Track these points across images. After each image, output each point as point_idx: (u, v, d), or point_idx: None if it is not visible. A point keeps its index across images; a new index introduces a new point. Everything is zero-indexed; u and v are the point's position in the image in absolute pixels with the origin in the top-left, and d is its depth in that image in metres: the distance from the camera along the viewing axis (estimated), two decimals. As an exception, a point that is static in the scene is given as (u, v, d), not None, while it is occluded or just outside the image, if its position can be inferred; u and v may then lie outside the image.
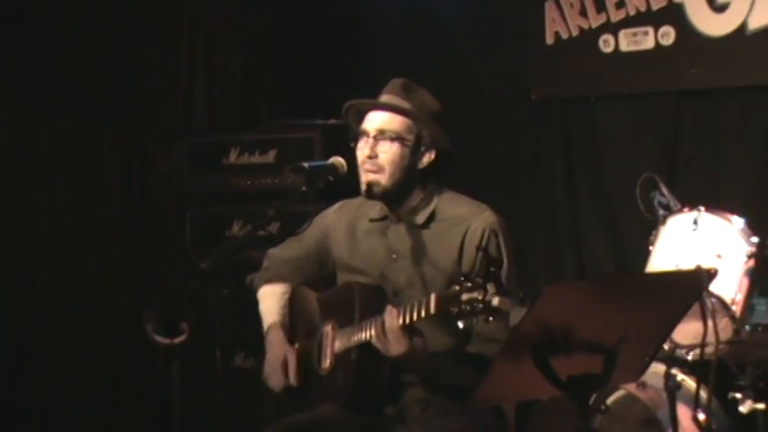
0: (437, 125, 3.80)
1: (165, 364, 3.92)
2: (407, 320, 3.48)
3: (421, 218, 3.81)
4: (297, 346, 4.01)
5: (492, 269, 3.22)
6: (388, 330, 3.49)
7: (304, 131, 5.62)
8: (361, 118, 3.85)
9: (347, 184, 3.87)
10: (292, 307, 4.09)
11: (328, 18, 6.40)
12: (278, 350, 3.98)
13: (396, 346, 3.50)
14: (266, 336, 4.04)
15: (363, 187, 3.79)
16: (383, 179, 3.75)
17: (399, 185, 3.77)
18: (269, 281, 4.14)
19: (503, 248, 3.70)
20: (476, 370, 3.54)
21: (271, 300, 4.10)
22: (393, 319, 3.49)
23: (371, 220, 3.92)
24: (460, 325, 3.29)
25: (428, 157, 3.79)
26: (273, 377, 3.96)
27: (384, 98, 3.84)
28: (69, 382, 5.76)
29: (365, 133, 3.79)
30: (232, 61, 6.46)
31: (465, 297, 3.24)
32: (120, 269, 6.08)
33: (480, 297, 3.21)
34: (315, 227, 4.04)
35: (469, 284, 3.25)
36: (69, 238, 5.92)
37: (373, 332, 3.56)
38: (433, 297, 3.41)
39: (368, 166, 3.75)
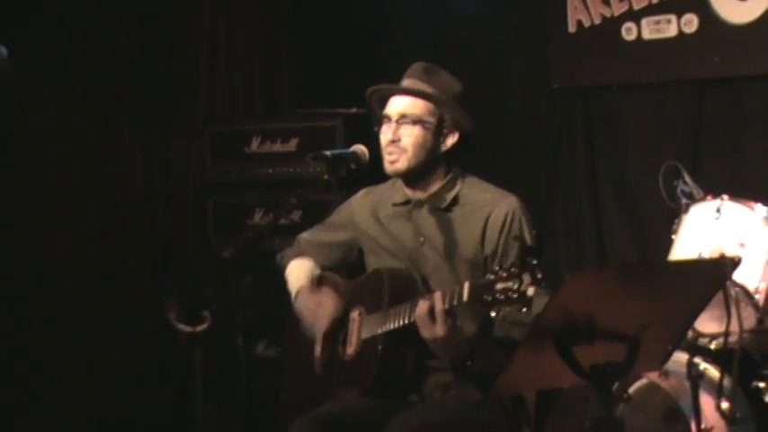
0: (459, 107, 3.84)
1: (188, 352, 3.94)
2: (446, 306, 3.49)
3: (444, 202, 3.84)
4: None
5: (528, 259, 3.23)
6: (432, 313, 3.50)
7: (326, 120, 5.62)
8: (384, 103, 3.89)
9: (369, 173, 3.88)
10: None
11: (350, 6, 6.40)
12: (312, 299, 3.98)
13: (440, 329, 3.50)
14: (296, 299, 4.04)
15: (387, 166, 3.82)
16: (406, 159, 3.80)
17: (422, 166, 3.82)
18: (298, 256, 4.16)
19: (525, 233, 3.72)
20: (504, 356, 3.55)
21: (299, 270, 4.11)
22: (441, 302, 3.50)
23: (394, 205, 3.94)
24: (493, 314, 3.31)
25: (451, 140, 3.83)
26: (318, 322, 3.93)
27: (406, 82, 3.88)
28: (92, 370, 5.78)
29: (387, 118, 3.83)
30: (254, 49, 6.46)
31: (500, 286, 3.26)
32: (143, 258, 6.10)
33: (515, 287, 3.23)
34: (342, 212, 4.09)
35: (504, 274, 3.27)
36: (91, 227, 5.94)
37: (406, 317, 3.58)
38: (466, 285, 3.43)
39: (391, 149, 3.81)
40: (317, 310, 3.94)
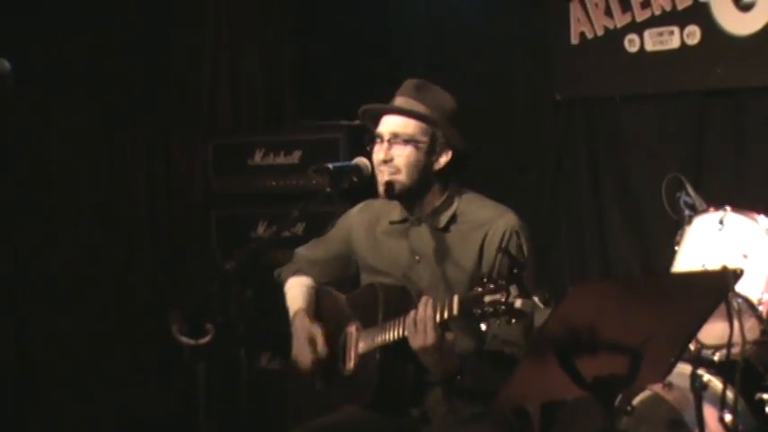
0: (451, 125, 3.81)
1: (191, 365, 3.93)
2: (437, 320, 3.49)
3: (442, 220, 3.82)
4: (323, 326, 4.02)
5: (515, 271, 3.23)
6: (419, 320, 3.50)
7: (329, 132, 5.62)
8: (377, 120, 3.86)
9: (371, 185, 3.87)
10: (316, 306, 4.10)
11: (353, 19, 6.40)
12: (305, 330, 3.99)
13: (426, 338, 3.50)
14: (293, 322, 4.05)
15: (382, 188, 3.80)
16: (401, 178, 3.77)
17: (417, 186, 3.79)
18: (297, 273, 4.15)
19: (524, 250, 3.70)
20: (494, 371, 3.55)
21: (298, 289, 4.11)
22: (428, 309, 3.49)
23: (391, 223, 3.93)
24: (483, 327, 3.31)
25: (445, 158, 3.80)
26: (302, 354, 3.95)
27: (398, 101, 3.85)
28: (94, 382, 5.78)
29: (380, 137, 3.81)
30: (257, 62, 6.47)
31: (487, 299, 3.26)
32: (146, 270, 6.11)
33: (503, 299, 3.23)
34: (339, 227, 4.07)
35: (492, 286, 3.27)
36: (95, 239, 5.95)
37: (401, 330, 3.58)
38: (455, 299, 3.43)
39: (384, 169, 3.78)
40: (303, 348, 3.95)
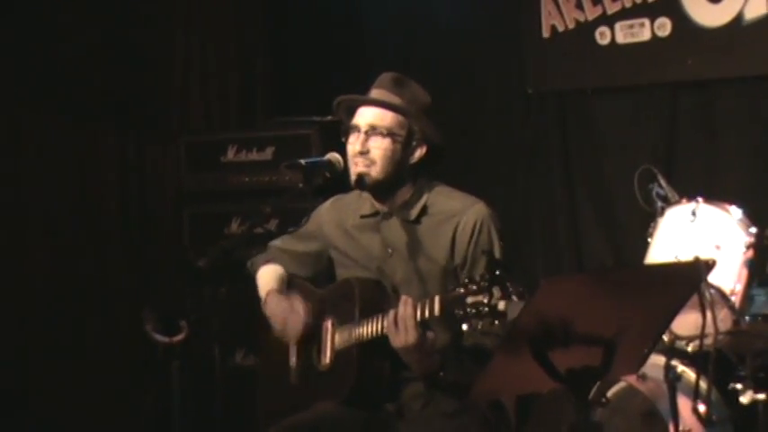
0: (428, 119, 3.81)
1: (165, 363, 3.92)
2: (417, 317, 3.49)
3: (413, 213, 3.81)
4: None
5: (497, 272, 3.22)
6: (399, 319, 3.49)
7: (301, 128, 5.60)
8: (352, 113, 3.85)
9: (344, 180, 3.86)
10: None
11: (324, 14, 6.40)
12: (282, 304, 3.95)
13: (406, 337, 3.49)
14: (265, 303, 4.01)
15: (353, 177, 3.78)
16: (374, 171, 3.75)
17: (390, 179, 3.78)
18: (268, 262, 4.12)
19: (494, 241, 3.71)
20: (476, 365, 3.54)
21: (269, 275, 4.08)
22: (408, 308, 3.49)
23: (362, 217, 3.91)
24: (465, 327, 3.30)
25: (420, 152, 3.80)
26: (290, 326, 3.91)
27: (375, 93, 3.84)
28: (69, 382, 5.75)
29: (356, 129, 3.79)
30: (228, 59, 6.45)
31: (470, 300, 3.25)
32: (119, 268, 6.08)
33: (486, 300, 3.22)
34: (311, 222, 4.03)
35: (474, 287, 3.26)
36: (67, 237, 5.92)
37: (379, 326, 3.57)
38: (436, 299, 3.42)
39: (359, 160, 3.76)
40: (289, 315, 3.92)
